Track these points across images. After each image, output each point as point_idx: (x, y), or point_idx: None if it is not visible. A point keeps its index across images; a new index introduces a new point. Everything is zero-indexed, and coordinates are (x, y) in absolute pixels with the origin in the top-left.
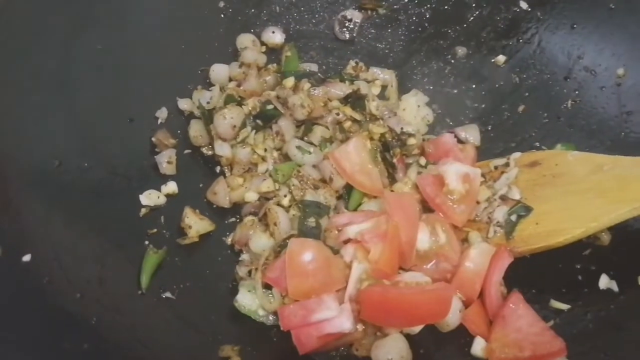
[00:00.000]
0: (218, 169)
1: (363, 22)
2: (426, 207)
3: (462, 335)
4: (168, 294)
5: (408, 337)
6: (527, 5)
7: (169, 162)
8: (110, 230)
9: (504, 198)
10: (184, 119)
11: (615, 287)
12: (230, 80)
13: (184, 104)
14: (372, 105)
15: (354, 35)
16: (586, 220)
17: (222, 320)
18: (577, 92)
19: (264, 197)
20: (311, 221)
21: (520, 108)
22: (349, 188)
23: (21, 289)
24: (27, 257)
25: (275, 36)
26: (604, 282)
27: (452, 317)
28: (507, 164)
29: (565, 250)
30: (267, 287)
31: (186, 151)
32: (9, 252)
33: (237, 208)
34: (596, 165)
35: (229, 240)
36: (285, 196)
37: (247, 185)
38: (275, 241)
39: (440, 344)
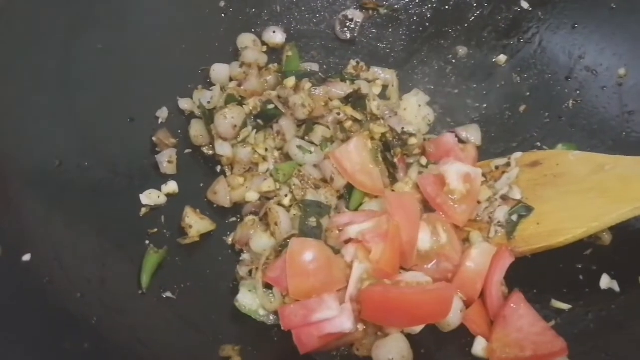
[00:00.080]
0: (219, 168)
1: (364, 21)
2: (427, 207)
3: (463, 335)
4: (169, 294)
5: (409, 337)
6: (528, 5)
7: (169, 162)
8: (111, 230)
9: (505, 198)
10: (185, 119)
11: (616, 287)
12: (231, 80)
13: (184, 104)
14: (373, 105)
15: (355, 35)
16: (587, 220)
17: (223, 320)
18: (578, 92)
19: (265, 197)
20: (312, 221)
21: (522, 108)
22: (350, 188)
23: (21, 288)
24: (27, 257)
25: (276, 36)
26: (605, 282)
27: (453, 317)
28: (508, 164)
29: (567, 250)
30: (268, 286)
31: (187, 151)
32: (9, 252)
33: (237, 208)
34: (597, 165)
35: (229, 240)
36: (286, 196)
37: (248, 185)
38: (276, 241)
39: (441, 344)
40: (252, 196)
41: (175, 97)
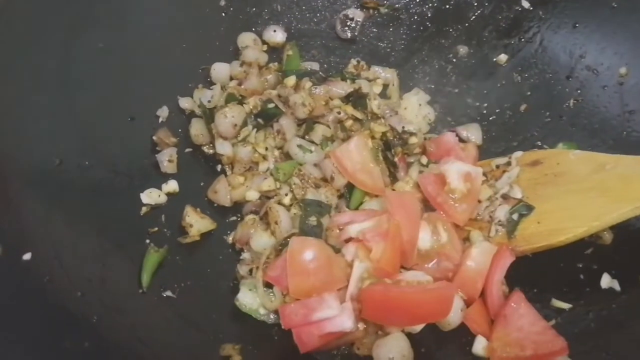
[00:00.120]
0: (219, 167)
1: (365, 20)
2: (428, 206)
3: (464, 334)
4: (169, 293)
5: (409, 336)
6: (529, 4)
7: (169, 161)
8: (111, 229)
9: (505, 197)
10: (185, 118)
11: (617, 286)
12: (232, 79)
13: (185, 103)
14: (374, 104)
15: (356, 34)
16: (588, 220)
17: (223, 319)
18: (579, 91)
19: (265, 196)
20: (312, 220)
21: (522, 107)
22: (350, 187)
23: (22, 287)
24: (27, 256)
25: (276, 35)
26: (606, 281)
27: (454, 316)
28: (508, 163)
29: (567, 249)
30: (268, 285)
31: (187, 150)
32: (10, 251)
33: (238, 207)
34: (598, 164)
35: (230, 239)
36: (286, 195)
37: (248, 184)
38: (276, 240)
39: (442, 343)
40: (253, 195)
41: (176, 96)
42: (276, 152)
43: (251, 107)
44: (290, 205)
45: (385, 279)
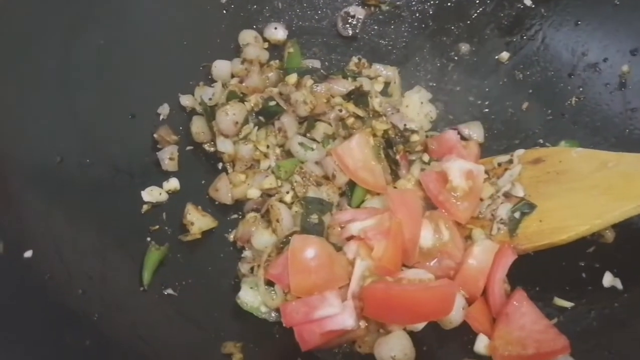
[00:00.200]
0: (220, 165)
1: (366, 18)
2: (429, 204)
3: (465, 333)
4: (170, 291)
5: (411, 334)
6: (530, 2)
7: (170, 159)
8: (112, 227)
9: (507, 195)
10: (186, 116)
11: (619, 284)
12: (233, 76)
13: (185, 101)
14: (375, 102)
15: (357, 31)
16: (590, 218)
17: (225, 317)
18: (581, 89)
19: (267, 194)
20: (314, 218)
21: (524, 105)
22: (351, 185)
23: (22, 285)
24: (28, 253)
25: (277, 32)
26: (608, 279)
27: (455, 315)
28: (510, 161)
29: (569, 248)
30: (270, 283)
31: (188, 148)
32: (11, 248)
33: (239, 205)
34: (600, 162)
35: (231, 237)
36: (287, 193)
37: (250, 182)
38: (277, 238)
39: (443, 341)
40: (254, 193)
41: (177, 94)
42: (277, 150)
43: (252, 104)
44: (292, 203)
45: (387, 277)
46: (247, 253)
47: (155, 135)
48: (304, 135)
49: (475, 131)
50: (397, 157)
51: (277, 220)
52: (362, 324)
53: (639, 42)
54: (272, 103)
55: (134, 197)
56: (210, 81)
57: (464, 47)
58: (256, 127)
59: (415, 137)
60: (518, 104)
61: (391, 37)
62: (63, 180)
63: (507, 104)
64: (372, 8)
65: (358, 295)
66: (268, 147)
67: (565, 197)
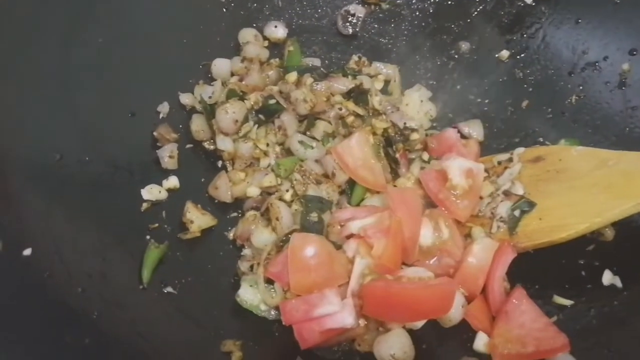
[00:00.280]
0: (220, 163)
1: (366, 16)
2: (429, 203)
3: (465, 331)
4: (169, 289)
5: (410, 332)
6: (531, 0)
7: (170, 157)
8: (112, 225)
9: (507, 193)
10: (186, 114)
11: (618, 282)
12: (232, 74)
13: (185, 99)
14: (375, 100)
15: (357, 30)
16: (590, 216)
17: (224, 315)
18: (581, 88)
19: (266, 192)
20: (313, 216)
21: (524, 103)
22: (351, 183)
23: (22, 283)
24: (27, 251)
25: (277, 31)
26: (608, 277)
27: (455, 313)
28: (510, 159)
29: (569, 246)
30: (269, 281)
31: (188, 146)
32: (10, 246)
33: (239, 203)
34: (600, 161)
35: (230, 235)
36: (287, 191)
37: (249, 180)
38: (277, 236)
39: (443, 339)
40: (254, 191)
41: (177, 92)
42: (277, 148)
43: (252, 103)
44: (292, 201)
45: (387, 275)
46: (246, 251)
47: (155, 133)
48: (304, 133)
49: (475, 129)
50: (397, 155)
51: (277, 219)
52: (362, 322)
53: (639, 41)
54: (272, 101)
55: (134, 195)
56: (210, 79)
57: (464, 46)
58: (256, 126)
59: (415, 136)
60: (518, 102)
61: (391, 35)
62: (62, 178)
63: (507, 102)
64: (372, 6)
65: (357, 294)
66: (268, 145)
67: (565, 195)
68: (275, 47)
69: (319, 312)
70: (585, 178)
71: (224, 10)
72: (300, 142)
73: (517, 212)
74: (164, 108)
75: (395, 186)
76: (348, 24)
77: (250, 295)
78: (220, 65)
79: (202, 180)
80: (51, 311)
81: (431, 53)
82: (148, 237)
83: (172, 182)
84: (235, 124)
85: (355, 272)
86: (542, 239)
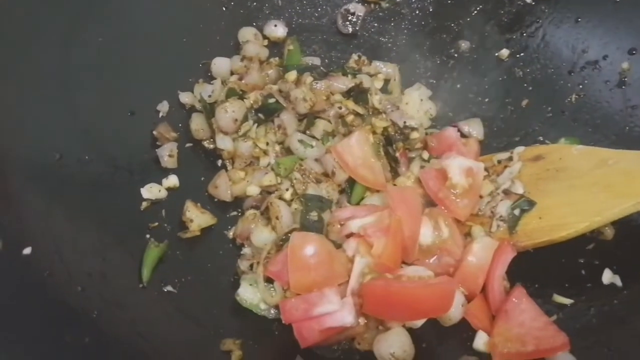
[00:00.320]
0: (219, 162)
1: (366, 15)
2: (429, 201)
3: (465, 330)
4: (169, 288)
5: (410, 331)
6: None
7: (170, 156)
8: (111, 224)
9: (507, 192)
10: (185, 113)
11: (618, 281)
12: (232, 73)
13: (185, 98)
14: (375, 99)
15: (357, 28)
16: (590, 215)
17: (224, 314)
18: (581, 86)
19: (266, 191)
20: (313, 215)
21: (524, 102)
22: (351, 182)
23: (22, 282)
24: (27, 250)
25: (277, 29)
26: (608, 276)
27: (455, 311)
28: (510, 158)
29: (569, 245)
30: (269, 280)
31: (187, 145)
32: (10, 246)
33: (238, 202)
34: (600, 160)
35: (230, 234)
36: (287, 190)
37: (249, 179)
38: (277, 235)
39: (443, 338)
40: (253, 190)
41: (176, 91)
42: (277, 147)
43: (252, 102)
44: (291, 200)
45: (387, 274)
46: (246, 250)
47: (154, 133)
48: (304, 132)
49: (475, 128)
50: (397, 154)
51: (277, 218)
52: (362, 320)
53: (639, 40)
54: (272, 100)
55: (133, 194)
56: (209, 78)
57: (464, 45)
58: (256, 125)
59: (414, 135)
60: (518, 101)
61: (391, 34)
62: (62, 177)
63: (506, 101)
64: (372, 5)
65: (357, 292)
66: (267, 144)
67: (565, 194)
68: (275, 46)
69: (318, 311)
70: (585, 177)
71: (224, 9)
72: (300, 141)
73: (517, 211)
74: (163, 107)
75: (395, 185)
76: (348, 22)
77: (250, 294)
78: (220, 64)
79: (202, 179)
80: (51, 310)
81: (431, 52)
82: (148, 236)
83: (172, 181)
84: (235, 122)
85: (355, 271)
86: (542, 237)
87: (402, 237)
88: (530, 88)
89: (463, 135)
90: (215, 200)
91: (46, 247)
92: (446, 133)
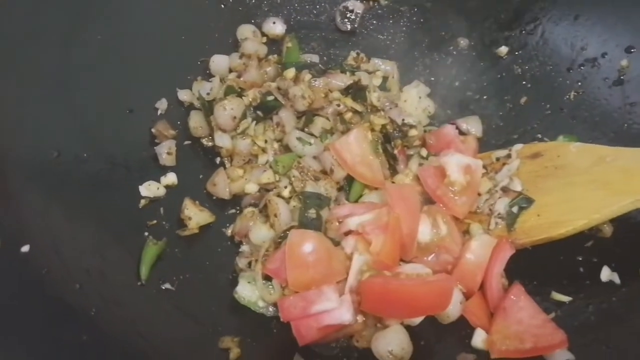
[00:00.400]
0: (218, 160)
1: (364, 13)
2: (427, 199)
3: (463, 327)
4: (168, 286)
5: (408, 328)
6: None
7: (168, 153)
8: (110, 222)
9: (505, 190)
10: (184, 110)
11: (617, 279)
12: (231, 71)
13: (183, 95)
14: (373, 97)
15: (356, 26)
16: (588, 212)
17: (222, 311)
18: (580, 84)
19: (264, 189)
20: (312, 212)
21: (523, 99)
22: (349, 179)
23: (20, 279)
24: (25, 248)
25: (276, 27)
26: (606, 274)
27: (453, 309)
28: (508, 156)
29: (567, 242)
30: (267, 278)
31: (186, 142)
32: (8, 243)
33: (237, 199)
34: (599, 157)
35: (229, 232)
36: (285, 187)
37: (247, 177)
38: (275, 232)
39: (441, 336)
40: (252, 188)
41: (175, 89)
42: (275, 145)
43: (250, 99)
44: (290, 197)
45: (385, 271)
46: (244, 248)
47: (153, 130)
48: (302, 129)
49: (473, 126)
50: (395, 151)
51: (275, 215)
52: (360, 318)
53: (637, 38)
54: (270, 98)
55: (132, 191)
56: (208, 76)
57: (463, 42)
58: (254, 122)
59: (413, 132)
60: (516, 98)
61: (390, 31)
62: (60, 175)
63: (505, 99)
64: (371, 2)
65: (356, 290)
66: (266, 141)
67: (564, 191)
68: (274, 44)
69: (317, 309)
70: (583, 174)
71: (222, 6)
72: (299, 139)
73: (515, 209)
74: (162, 104)
75: (393, 182)
76: (346, 20)
77: (248, 291)
78: (219, 62)
79: (200, 176)
80: (49, 308)
81: (429, 49)
82: (146, 233)
83: (170, 178)
84: (234, 120)
85: (353, 268)
86: (540, 235)
87: (401, 234)
88: (529, 85)
89: (461, 133)
90: (214, 197)
91: (44, 244)
92: (444, 130)
